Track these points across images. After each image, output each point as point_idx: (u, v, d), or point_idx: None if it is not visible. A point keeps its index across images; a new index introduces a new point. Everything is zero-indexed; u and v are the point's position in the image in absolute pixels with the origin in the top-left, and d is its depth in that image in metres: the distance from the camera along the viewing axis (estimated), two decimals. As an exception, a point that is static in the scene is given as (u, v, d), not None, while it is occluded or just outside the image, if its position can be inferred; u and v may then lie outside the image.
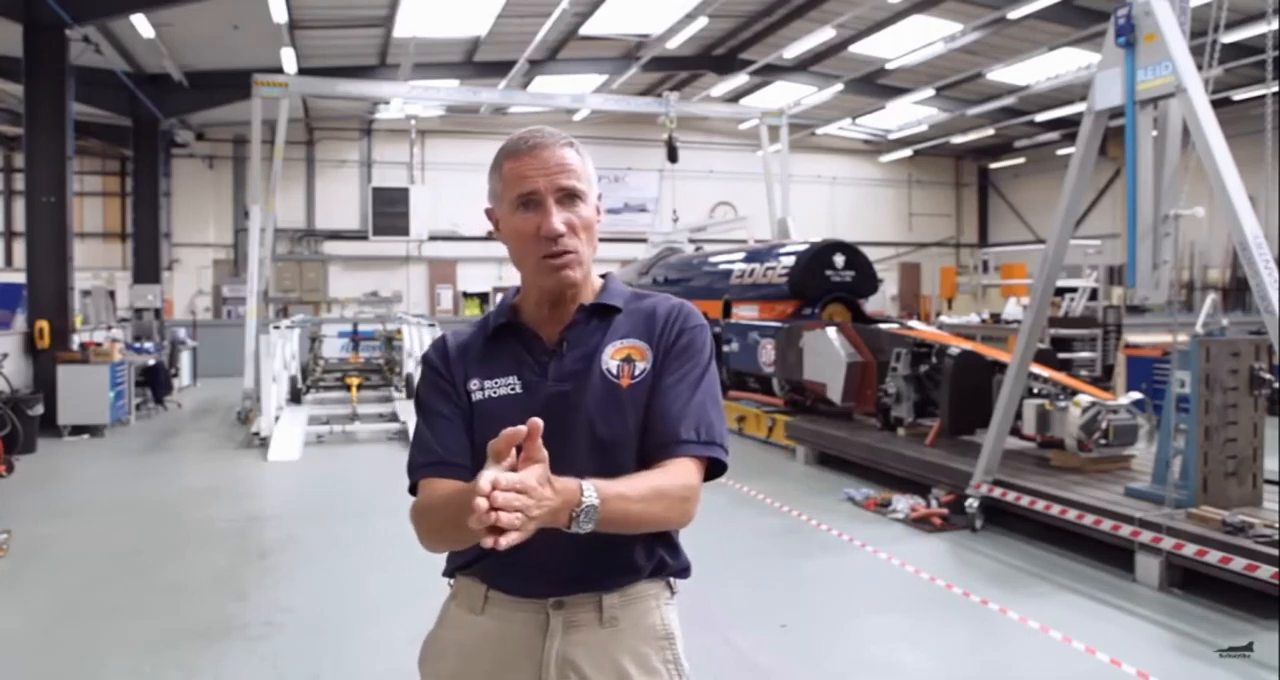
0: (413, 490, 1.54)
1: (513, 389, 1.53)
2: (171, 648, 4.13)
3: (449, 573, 1.64)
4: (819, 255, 10.08)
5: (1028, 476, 6.02)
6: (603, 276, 1.64)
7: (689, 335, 1.55)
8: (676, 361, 1.53)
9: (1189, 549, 4.64)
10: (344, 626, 4.40)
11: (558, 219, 1.47)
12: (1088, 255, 14.80)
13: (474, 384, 1.55)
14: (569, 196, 1.49)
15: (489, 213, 1.59)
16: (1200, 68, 4.96)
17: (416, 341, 11.92)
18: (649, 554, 1.54)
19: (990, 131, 21.11)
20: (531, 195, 1.47)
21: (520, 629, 1.51)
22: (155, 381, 12.28)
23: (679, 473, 1.45)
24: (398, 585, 4.85)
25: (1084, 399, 6.20)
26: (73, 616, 4.57)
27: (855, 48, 15.72)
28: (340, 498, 7.39)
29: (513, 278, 1.63)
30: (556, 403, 1.49)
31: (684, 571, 1.61)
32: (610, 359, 1.53)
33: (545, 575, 1.49)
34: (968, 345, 7.81)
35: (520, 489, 1.17)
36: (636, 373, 1.53)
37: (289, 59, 13.76)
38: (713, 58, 17.18)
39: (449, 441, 1.52)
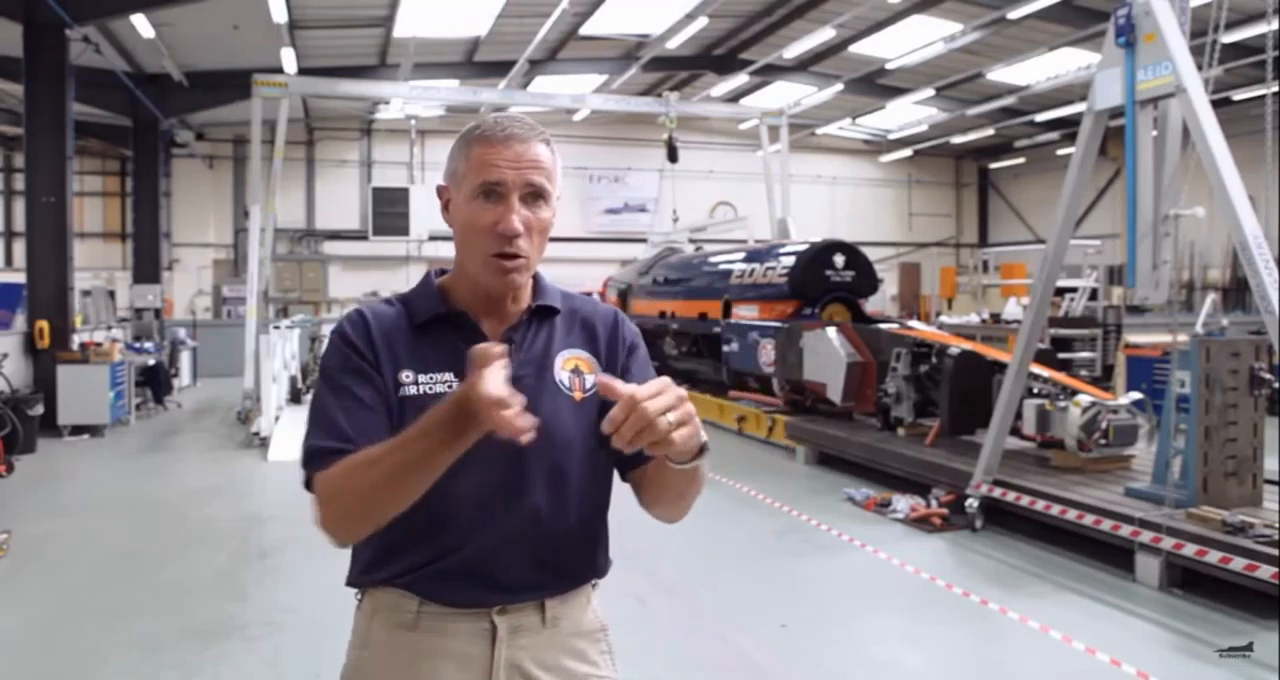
0: (309, 484, 1.34)
1: (449, 386, 1.39)
2: (171, 648, 4.13)
3: (360, 583, 1.49)
4: (819, 255, 10.08)
5: (1028, 476, 6.02)
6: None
7: (638, 344, 1.59)
8: (631, 370, 1.56)
9: (1189, 549, 4.64)
10: (344, 626, 4.36)
11: (518, 218, 1.37)
12: (1088, 255, 14.78)
13: (406, 376, 1.40)
14: (534, 195, 1.40)
15: (441, 190, 1.47)
16: (1200, 68, 4.96)
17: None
18: (605, 555, 1.54)
19: (990, 131, 21.11)
20: (496, 186, 1.38)
21: (462, 641, 1.42)
22: (155, 381, 12.29)
23: None
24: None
25: (1084, 399, 6.20)
26: (73, 616, 4.57)
27: (855, 48, 15.72)
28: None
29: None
30: None
31: (608, 567, 1.58)
32: (561, 369, 1.47)
33: (495, 586, 1.42)
34: (968, 345, 7.81)
35: (666, 398, 1.16)
36: (587, 387, 1.48)
37: (289, 59, 13.75)
38: (713, 58, 17.18)
39: (366, 426, 1.34)
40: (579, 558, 1.50)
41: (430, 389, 1.40)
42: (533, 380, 1.43)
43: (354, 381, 1.38)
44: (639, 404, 1.14)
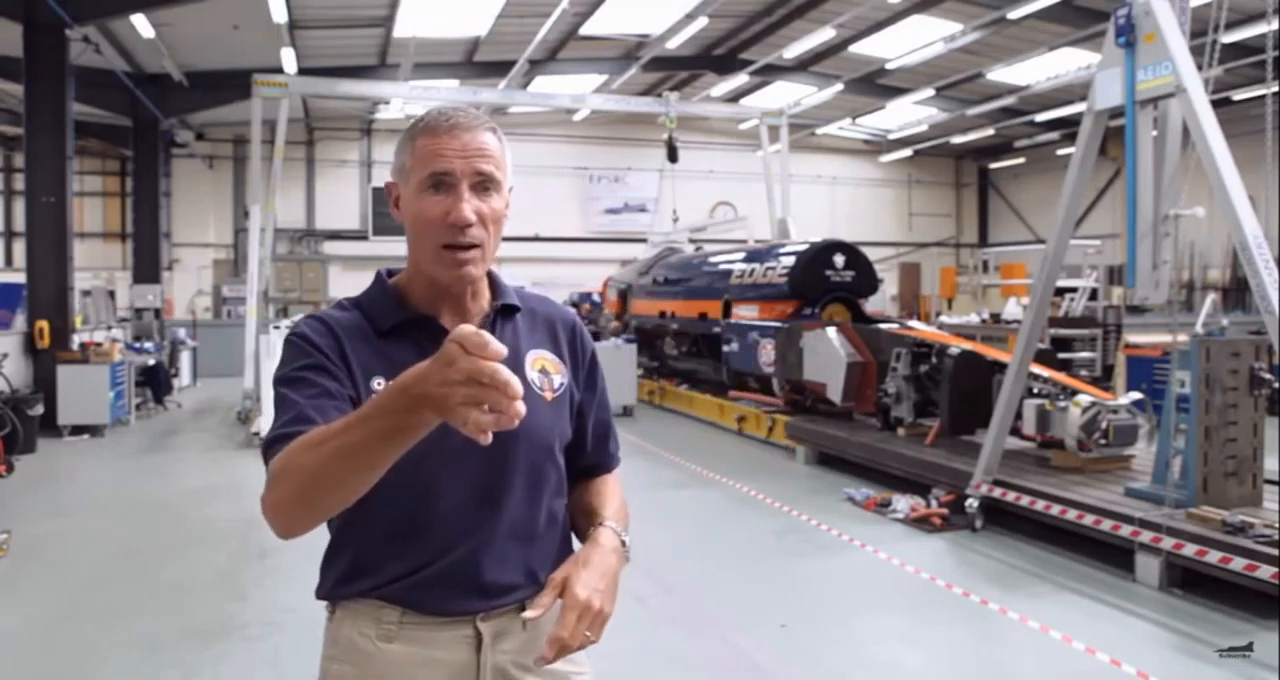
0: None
1: None
2: (171, 648, 4.13)
3: (335, 596, 1.43)
4: (819, 255, 10.08)
5: (1028, 476, 6.02)
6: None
7: (593, 351, 1.61)
8: (594, 380, 1.59)
9: (1189, 549, 4.64)
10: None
11: (469, 207, 1.33)
12: (1088, 255, 14.79)
13: (378, 382, 1.34)
14: (483, 184, 1.36)
15: (390, 187, 1.43)
16: (1200, 68, 4.96)
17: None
18: (571, 552, 1.52)
19: (990, 131, 21.11)
20: (445, 176, 1.34)
21: (447, 650, 1.40)
22: (155, 381, 12.29)
23: (618, 486, 1.62)
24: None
25: (1084, 399, 6.20)
26: (73, 616, 4.57)
27: (855, 48, 15.72)
28: (340, 498, 7.39)
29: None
30: None
31: None
32: (531, 369, 1.46)
33: (479, 592, 1.40)
34: (968, 345, 7.81)
35: (585, 629, 1.30)
36: (556, 387, 1.48)
37: (289, 59, 13.75)
38: (713, 58, 17.19)
39: (331, 415, 1.23)
40: (552, 557, 1.49)
41: None
42: None
43: (315, 374, 1.32)
44: (565, 642, 1.26)
